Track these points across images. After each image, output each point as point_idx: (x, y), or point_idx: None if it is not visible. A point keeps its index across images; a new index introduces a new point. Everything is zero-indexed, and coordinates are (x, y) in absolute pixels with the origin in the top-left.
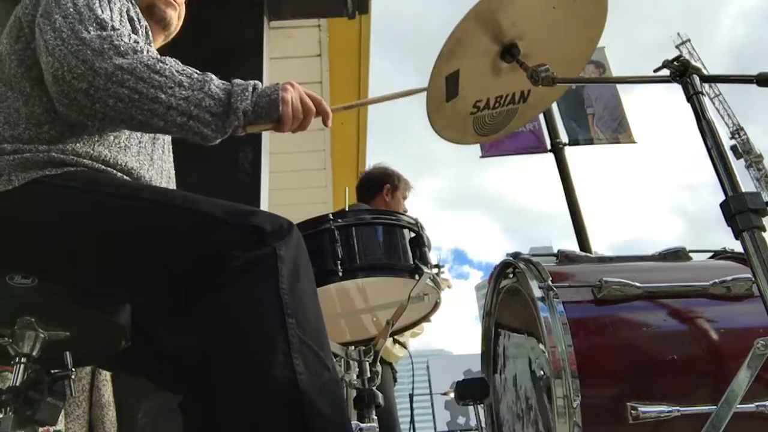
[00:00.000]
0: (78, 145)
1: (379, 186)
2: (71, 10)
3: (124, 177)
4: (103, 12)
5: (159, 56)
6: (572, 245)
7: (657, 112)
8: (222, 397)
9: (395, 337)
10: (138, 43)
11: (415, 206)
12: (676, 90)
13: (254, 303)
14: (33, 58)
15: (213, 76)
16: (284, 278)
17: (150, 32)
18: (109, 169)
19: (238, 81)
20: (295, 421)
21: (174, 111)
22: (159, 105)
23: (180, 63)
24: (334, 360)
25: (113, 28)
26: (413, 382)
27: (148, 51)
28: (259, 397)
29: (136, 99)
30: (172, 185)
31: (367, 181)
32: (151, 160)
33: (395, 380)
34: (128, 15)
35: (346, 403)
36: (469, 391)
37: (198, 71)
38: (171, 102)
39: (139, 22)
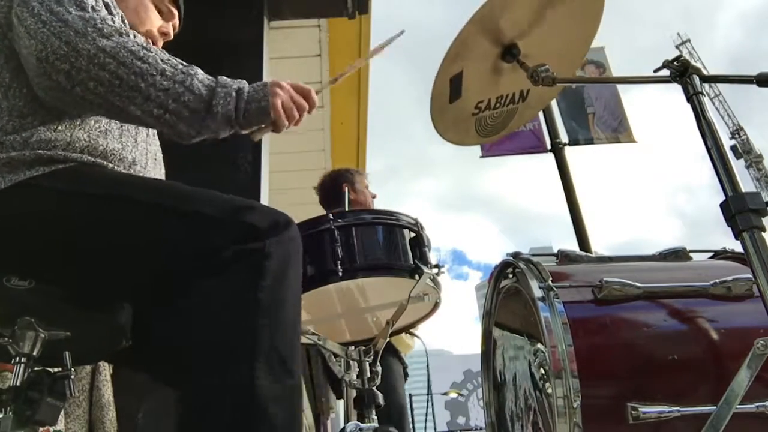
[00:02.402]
0: (60, 133)
1: (339, 188)
2: None
3: (111, 166)
4: None
5: (144, 43)
6: (572, 247)
7: (653, 114)
8: (187, 390)
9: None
10: (123, 27)
11: (413, 207)
12: (672, 91)
13: (232, 298)
14: (10, 48)
15: (198, 70)
16: (268, 276)
17: (126, 21)
18: (98, 160)
19: (222, 81)
20: (242, 425)
21: (152, 103)
22: (138, 93)
23: (166, 53)
24: (300, 367)
25: (93, 9)
26: (408, 381)
27: (134, 36)
28: (214, 395)
29: (117, 84)
30: (159, 167)
31: (325, 192)
32: (135, 141)
33: (407, 375)
34: (104, 2)
35: (302, 414)
36: None
37: (183, 63)
38: (150, 92)
39: (115, 9)
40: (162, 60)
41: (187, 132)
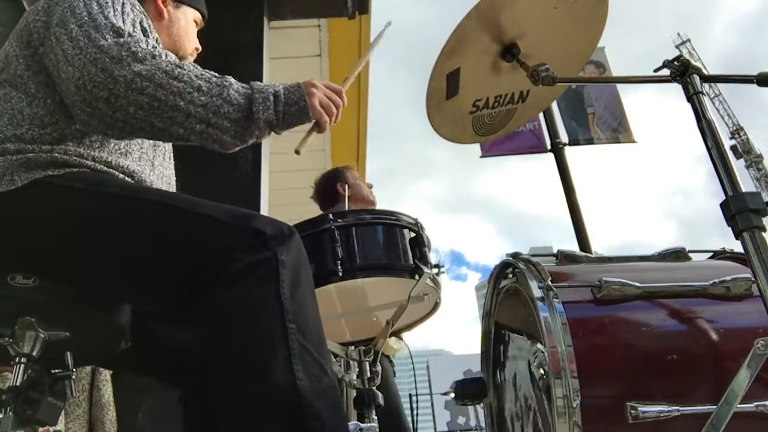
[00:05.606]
0: (80, 149)
1: (334, 189)
2: (86, 18)
3: (126, 179)
4: (117, 21)
5: (177, 61)
6: (571, 247)
7: (649, 116)
8: (220, 397)
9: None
10: (156, 48)
11: (412, 209)
12: (668, 94)
13: (255, 306)
14: (41, 63)
15: (232, 80)
16: (285, 283)
17: (160, 42)
18: (111, 170)
19: (258, 86)
20: (294, 424)
21: (192, 119)
22: (178, 112)
23: (199, 67)
24: (332, 365)
25: (129, 35)
26: (415, 382)
27: (166, 56)
28: (258, 399)
29: (156, 107)
30: (172, 191)
31: (322, 195)
32: (152, 165)
33: (394, 374)
34: (141, 26)
35: (345, 408)
36: (467, 390)
37: (217, 75)
38: (189, 109)
39: (151, 34)
40: (196, 76)
41: (232, 142)
